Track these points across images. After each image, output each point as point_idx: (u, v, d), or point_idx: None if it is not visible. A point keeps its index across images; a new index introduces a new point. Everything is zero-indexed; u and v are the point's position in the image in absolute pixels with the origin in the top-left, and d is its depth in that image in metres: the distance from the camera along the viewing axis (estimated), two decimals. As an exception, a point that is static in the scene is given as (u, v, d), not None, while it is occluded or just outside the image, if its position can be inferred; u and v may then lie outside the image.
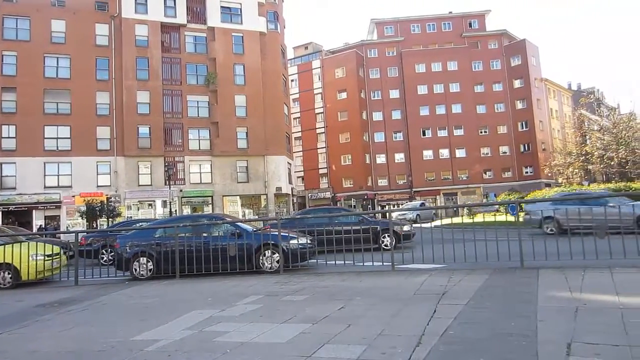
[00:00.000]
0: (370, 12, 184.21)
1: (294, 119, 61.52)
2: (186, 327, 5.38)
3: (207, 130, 39.93)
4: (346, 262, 9.81)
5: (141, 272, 10.45)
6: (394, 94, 64.11)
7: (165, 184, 35.38)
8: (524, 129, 61.79)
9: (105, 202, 34.02)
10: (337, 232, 10.56)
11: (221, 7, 40.99)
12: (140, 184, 37.47)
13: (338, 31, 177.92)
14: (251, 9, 41.63)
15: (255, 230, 10.80)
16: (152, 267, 10.47)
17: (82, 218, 33.25)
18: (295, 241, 10.05)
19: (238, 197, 40.84)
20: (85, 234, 18.09)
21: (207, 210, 39.65)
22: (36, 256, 10.64)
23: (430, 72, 63.51)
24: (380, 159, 63.72)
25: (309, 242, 10.18)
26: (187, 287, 8.89)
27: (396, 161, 63.45)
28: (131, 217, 37.02)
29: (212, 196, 39.39)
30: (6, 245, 10.98)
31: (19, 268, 10.47)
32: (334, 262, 10.07)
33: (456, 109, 62.67)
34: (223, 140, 39.35)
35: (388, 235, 11.31)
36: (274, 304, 6.43)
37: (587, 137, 50.00)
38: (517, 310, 4.98)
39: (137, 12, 38.35)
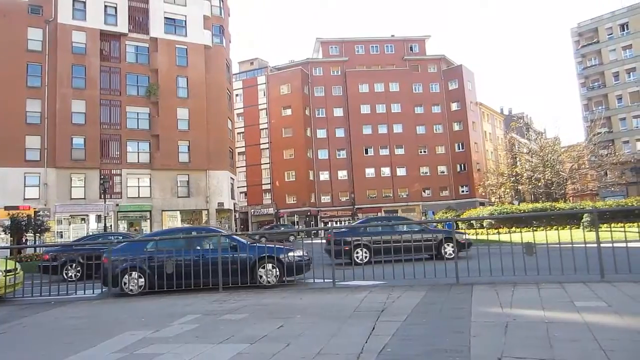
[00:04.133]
0: (315, 31, 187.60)
1: (238, 133, 60.94)
2: (115, 350, 5.08)
3: (147, 142, 38.63)
4: (287, 279, 9.72)
5: (131, 287, 9.79)
6: (338, 112, 65.19)
7: (101, 197, 33.71)
8: (461, 149, 64.67)
9: (33, 216, 31.83)
10: (398, 240, 10.53)
11: (165, 18, 40.15)
12: (72, 197, 35.48)
13: (284, 48, 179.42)
14: (196, 22, 41.08)
15: (251, 243, 10.40)
16: (142, 282, 9.84)
17: (5, 233, 30.88)
18: (292, 254, 9.81)
19: (178, 212, 39.64)
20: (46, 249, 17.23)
21: (145, 225, 38.18)
22: (1, 271, 9.80)
23: (373, 92, 65.23)
24: (324, 175, 64.24)
25: (305, 254, 9.98)
26: (119, 306, 8.44)
27: (339, 178, 64.21)
28: (61, 231, 34.98)
29: (150, 211, 37.97)
30: None
31: None
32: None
33: (397, 128, 64.61)
34: (164, 153, 38.19)
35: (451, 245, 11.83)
36: (212, 323, 6.23)
37: (517, 159, 53.07)
38: (452, 326, 5.11)
39: (75, 18, 36.75)
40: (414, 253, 8.78)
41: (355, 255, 12.84)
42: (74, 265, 13.75)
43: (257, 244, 10.38)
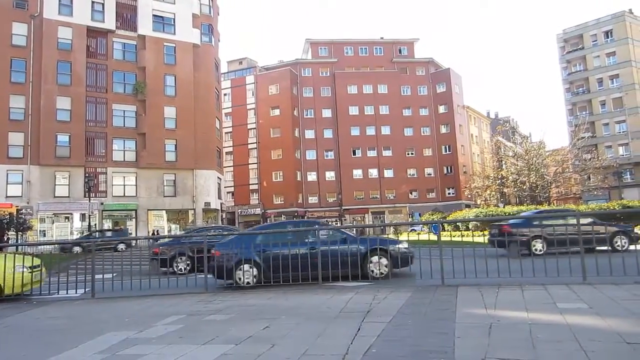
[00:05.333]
0: (305, 32, 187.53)
1: (226, 133, 60.63)
2: (97, 350, 5.01)
3: (134, 141, 38.27)
4: (273, 280, 9.69)
5: (246, 280, 9.64)
6: (326, 113, 65.25)
7: (85, 196, 33.28)
8: (447, 152, 65.17)
9: (15, 214, 31.31)
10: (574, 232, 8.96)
11: (153, 15, 39.81)
12: (56, 195, 34.99)
13: (273, 48, 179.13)
14: (185, 20, 40.81)
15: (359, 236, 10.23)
16: (256, 274, 9.70)
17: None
18: (400, 245, 9.86)
19: (164, 211, 39.35)
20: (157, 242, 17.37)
21: (130, 224, 37.81)
22: (22, 268, 9.59)
23: (361, 94, 65.42)
24: (312, 176, 64.23)
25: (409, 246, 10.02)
26: (102, 306, 8.33)
27: (327, 179, 64.26)
28: (44, 230, 34.47)
29: (136, 210, 37.61)
30: None
31: (1, 281, 9.37)
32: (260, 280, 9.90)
33: (385, 130, 64.88)
34: (150, 152, 37.85)
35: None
36: (196, 324, 6.18)
37: (503, 162, 53.72)
38: (436, 327, 5.14)
39: (61, 13, 36.25)
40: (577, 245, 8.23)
41: (532, 247, 12.58)
42: (184, 258, 13.68)
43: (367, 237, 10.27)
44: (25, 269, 9.68)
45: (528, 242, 12.68)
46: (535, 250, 12.50)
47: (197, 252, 10.64)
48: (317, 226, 11.03)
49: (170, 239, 18.96)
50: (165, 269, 12.71)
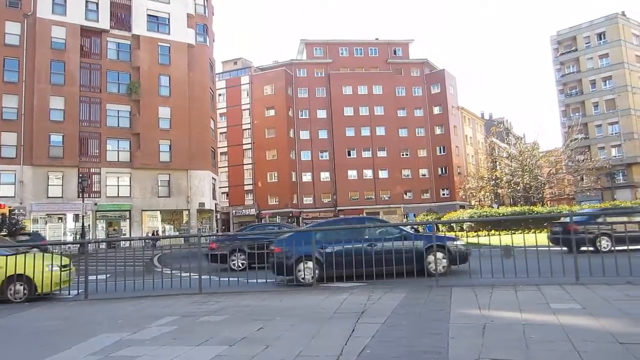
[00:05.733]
0: (300, 33, 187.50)
1: (221, 133, 60.53)
2: (91, 352, 4.98)
3: (128, 141, 38.12)
4: (268, 280, 9.69)
5: (306, 277, 9.51)
6: (321, 114, 65.25)
7: (79, 196, 33.10)
8: (442, 153, 65.35)
9: (7, 214, 31.07)
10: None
11: (148, 15, 39.68)
12: (49, 195, 34.77)
13: (268, 49, 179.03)
14: (180, 20, 40.71)
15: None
16: (316, 271, 9.58)
17: (-22, 231, 30.08)
18: (458, 242, 9.88)
19: (158, 212, 39.22)
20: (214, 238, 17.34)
21: (124, 225, 37.65)
22: (52, 266, 9.52)
23: (356, 95, 65.46)
24: (306, 177, 64.20)
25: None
26: (96, 308, 8.30)
27: (322, 180, 64.23)
28: (37, 231, 34.21)
29: (130, 210, 37.45)
30: (17, 255, 9.73)
31: (33, 279, 9.29)
32: (254, 281, 9.90)
33: (380, 131, 64.95)
34: (144, 152, 37.70)
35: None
36: (190, 325, 6.16)
37: (497, 163, 53.92)
38: (431, 328, 5.16)
39: (55, 12, 36.04)
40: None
41: (598, 244, 12.12)
42: (240, 255, 13.60)
43: (424, 234, 10.23)
44: (57, 268, 9.66)
45: (594, 239, 12.32)
46: (602, 247, 11.98)
47: (253, 248, 10.34)
48: (376, 223, 11.10)
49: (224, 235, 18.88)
50: (221, 264, 12.58)
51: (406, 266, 8.64)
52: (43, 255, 9.86)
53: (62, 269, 9.79)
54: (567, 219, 13.40)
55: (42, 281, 9.36)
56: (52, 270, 9.49)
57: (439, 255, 9.37)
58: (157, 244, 23.16)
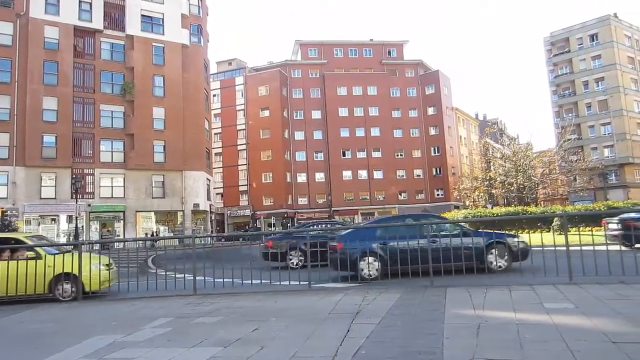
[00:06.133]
0: (294, 33, 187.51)
1: (215, 134, 60.38)
2: (84, 354, 4.95)
3: (122, 142, 37.95)
4: (262, 281, 9.67)
5: (370, 273, 9.48)
6: (316, 114, 65.25)
7: (72, 197, 32.91)
8: (436, 153, 65.55)
9: (0, 215, 30.88)
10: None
11: (142, 15, 39.52)
12: (42, 196, 34.55)
13: (262, 49, 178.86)
14: (174, 20, 40.58)
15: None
16: (378, 267, 9.54)
17: (-30, 233, 29.83)
18: (518, 239, 9.92)
19: (153, 213, 39.08)
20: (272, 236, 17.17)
21: (118, 226, 37.46)
22: (99, 265, 9.56)
23: (351, 96, 65.52)
24: (301, 177, 64.18)
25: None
26: (89, 309, 8.24)
27: (316, 180, 64.22)
28: (30, 232, 33.98)
29: (124, 211, 37.28)
30: (65, 254, 9.75)
31: (81, 278, 9.31)
32: (249, 282, 9.87)
33: (375, 132, 65.04)
34: (138, 153, 37.55)
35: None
36: (184, 326, 6.14)
37: (491, 163, 54.13)
38: (425, 328, 5.16)
39: (48, 12, 35.83)
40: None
41: None
42: (298, 253, 13.51)
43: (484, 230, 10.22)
44: (102, 267, 9.72)
45: None
46: None
47: (311, 246, 10.09)
48: (436, 219, 11.21)
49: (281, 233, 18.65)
50: (277, 263, 12.47)
51: (465, 263, 8.50)
52: (90, 254, 10.03)
53: (108, 268, 9.91)
54: (625, 215, 13.37)
55: (90, 280, 9.44)
56: (99, 269, 9.60)
57: (501, 252, 9.49)
58: (155, 244, 23.10)
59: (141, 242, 22.88)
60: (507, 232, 10.68)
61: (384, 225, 10.96)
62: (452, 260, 8.69)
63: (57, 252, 10.12)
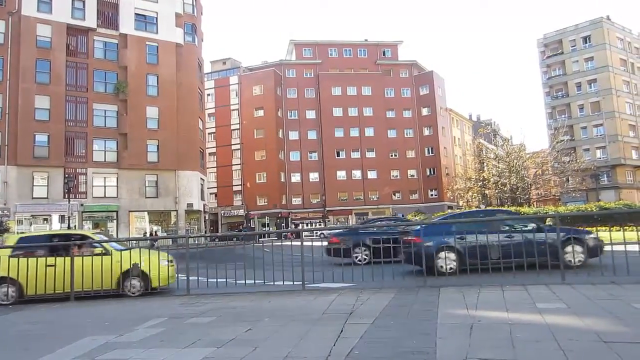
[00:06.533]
0: (289, 33, 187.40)
1: (209, 134, 60.19)
2: (76, 356, 4.92)
3: (115, 141, 37.73)
4: (256, 281, 9.64)
5: (447, 267, 9.37)
6: (311, 114, 65.25)
7: (64, 197, 32.66)
8: (430, 154, 65.74)
9: (-9, 215, 30.62)
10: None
11: (135, 14, 39.31)
12: (34, 196, 34.26)
13: (257, 49, 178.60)
14: (168, 19, 40.40)
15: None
16: (456, 261, 9.48)
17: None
18: (592, 235, 9.83)
19: (146, 212, 38.86)
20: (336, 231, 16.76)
21: (111, 226, 37.23)
22: (166, 262, 9.67)
23: (345, 96, 65.57)
24: (295, 177, 64.15)
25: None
26: (81, 310, 8.19)
27: (310, 180, 64.23)
28: (22, 232, 33.75)
29: (117, 211, 37.06)
30: (132, 250, 9.88)
31: (149, 274, 9.43)
32: (243, 282, 9.85)
33: (369, 132, 65.13)
34: (132, 152, 37.34)
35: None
36: (177, 327, 6.11)
37: (485, 164, 54.36)
38: (419, 328, 5.18)
39: (40, 10, 35.54)
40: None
41: None
42: (364, 249, 13.32)
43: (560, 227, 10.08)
44: (167, 263, 9.79)
45: None
46: None
47: (377, 242, 9.82)
48: (511, 215, 11.28)
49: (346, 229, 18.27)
50: (341, 259, 12.25)
51: (539, 258, 8.36)
52: (159, 251, 10.16)
53: (172, 264, 10.00)
54: None
55: (159, 276, 9.52)
56: (167, 265, 9.69)
57: (578, 248, 9.47)
58: (155, 244, 22.96)
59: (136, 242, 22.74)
60: (582, 228, 10.54)
61: (461, 221, 11.03)
62: (530, 255, 8.51)
63: (124, 248, 10.30)
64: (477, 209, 42.01)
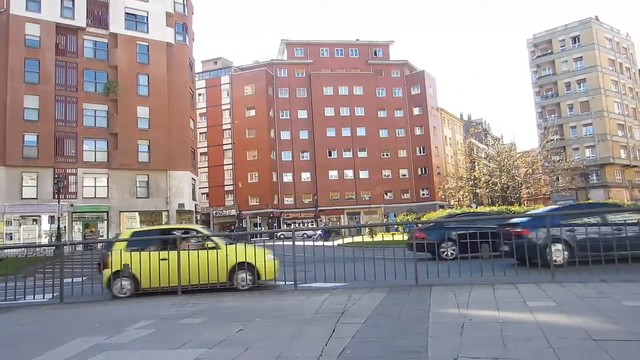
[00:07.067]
0: (280, 33, 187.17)
1: (200, 133, 59.94)
2: (66, 357, 4.86)
3: (105, 141, 37.40)
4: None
5: (558, 260, 9.11)
6: (302, 114, 65.21)
7: (54, 197, 32.34)
8: (422, 153, 65.99)
9: (-21, 216, 30.23)
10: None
11: (126, 13, 38.98)
12: (23, 196, 33.85)
13: (248, 48, 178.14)
14: (158, 19, 40.11)
15: None
16: (566, 254, 9.27)
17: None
18: None
19: (137, 213, 38.56)
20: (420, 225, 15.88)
21: (102, 226, 36.93)
22: (272, 255, 9.69)
23: (337, 95, 65.62)
24: (287, 177, 64.09)
25: None
26: (71, 312, 8.12)
27: (302, 180, 64.21)
28: (11, 233, 33.42)
29: (107, 212, 36.75)
30: (237, 244, 9.89)
31: (257, 267, 9.56)
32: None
33: (360, 132, 65.24)
34: (122, 152, 37.04)
35: None
36: (169, 328, 6.08)
37: (476, 163, 54.66)
38: (410, 327, 5.19)
39: (29, 9, 35.11)
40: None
41: None
42: (450, 244, 13.16)
43: None
44: (272, 257, 9.79)
45: None
46: None
47: (464, 237, 9.81)
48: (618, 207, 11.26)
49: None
50: (425, 254, 11.87)
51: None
52: (264, 245, 10.25)
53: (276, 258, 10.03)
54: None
55: (265, 269, 9.54)
56: (273, 259, 9.69)
57: None
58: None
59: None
60: None
61: (569, 213, 10.99)
62: (636, 248, 8.35)
63: (230, 242, 10.40)
64: (469, 207, 42.21)
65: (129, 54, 38.47)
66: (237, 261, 9.38)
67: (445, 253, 12.98)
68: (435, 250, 11.48)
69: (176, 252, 9.25)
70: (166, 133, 38.84)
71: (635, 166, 61.83)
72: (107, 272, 9.50)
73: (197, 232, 10.83)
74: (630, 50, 67.34)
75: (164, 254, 9.32)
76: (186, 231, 10.85)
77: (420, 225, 15.99)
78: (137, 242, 10.28)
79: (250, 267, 9.54)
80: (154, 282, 9.15)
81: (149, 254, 9.27)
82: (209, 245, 9.77)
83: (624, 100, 62.65)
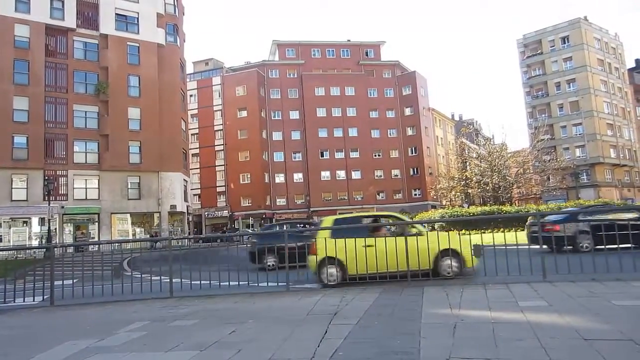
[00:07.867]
0: (272, 33, 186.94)
1: (192, 135, 59.72)
2: (56, 361, 4.82)
3: (96, 142, 37.17)
4: (240, 282, 9.58)
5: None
6: (294, 115, 65.15)
7: (45, 199, 32.06)
8: (414, 154, 66.19)
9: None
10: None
11: (116, 14, 38.79)
12: (13, 198, 33.57)
13: (239, 50, 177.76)
14: (149, 20, 39.95)
15: None
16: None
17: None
18: None
19: (128, 214, 38.39)
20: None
21: (93, 228, 36.66)
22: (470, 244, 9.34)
23: (329, 96, 65.63)
24: (279, 178, 63.98)
25: None
26: (61, 315, 8.04)
27: (295, 181, 64.13)
28: (0, 235, 33.14)
29: (98, 213, 36.51)
30: (438, 232, 9.80)
31: (464, 255, 9.23)
32: (227, 284, 9.78)
33: (352, 132, 65.30)
34: (113, 154, 36.84)
35: None
36: (160, 330, 6.03)
37: (467, 163, 54.97)
38: (402, 328, 5.19)
39: (18, 10, 34.86)
40: None
41: None
42: (584, 236, 12.52)
43: None
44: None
45: None
46: None
47: (597, 228, 9.73)
48: None
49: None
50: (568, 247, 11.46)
51: None
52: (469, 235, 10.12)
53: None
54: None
55: (471, 257, 9.24)
56: (470, 248, 9.32)
57: None
58: (155, 245, 22.73)
59: (118, 244, 22.46)
60: None
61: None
62: None
63: (430, 229, 10.18)
64: (460, 207, 42.41)
65: (120, 55, 38.28)
66: (442, 248, 8.99)
67: (582, 245, 12.42)
68: (563, 244, 11.46)
69: (383, 239, 9.07)
70: (157, 134, 38.68)
71: (625, 165, 62.52)
72: (312, 259, 9.27)
73: (398, 218, 10.74)
74: (619, 50, 68.10)
75: (369, 240, 9.00)
76: (383, 218, 10.77)
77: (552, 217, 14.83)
78: (341, 229, 9.91)
79: (454, 255, 9.21)
80: (360, 269, 8.79)
81: (355, 241, 8.86)
82: (415, 232, 9.48)
83: (613, 100, 63.32)
